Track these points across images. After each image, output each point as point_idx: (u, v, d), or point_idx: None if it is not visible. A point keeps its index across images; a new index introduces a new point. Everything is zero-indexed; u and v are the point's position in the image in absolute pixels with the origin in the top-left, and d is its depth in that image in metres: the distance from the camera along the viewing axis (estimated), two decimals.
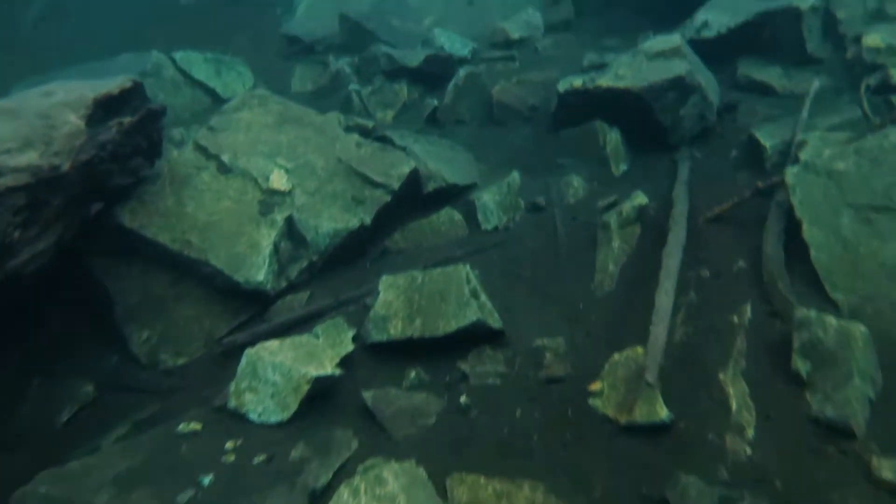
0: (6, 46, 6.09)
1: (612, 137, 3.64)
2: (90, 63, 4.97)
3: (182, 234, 2.87)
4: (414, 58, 4.38)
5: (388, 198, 3.20)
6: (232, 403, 2.20)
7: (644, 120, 3.61)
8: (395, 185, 3.21)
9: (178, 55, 4.63)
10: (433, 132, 4.11)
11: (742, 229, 2.89)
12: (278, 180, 3.12)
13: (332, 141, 3.33)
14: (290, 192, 3.11)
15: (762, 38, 3.95)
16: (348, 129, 3.53)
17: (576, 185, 3.42)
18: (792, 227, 2.65)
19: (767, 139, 3.20)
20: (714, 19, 3.97)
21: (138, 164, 2.81)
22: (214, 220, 2.96)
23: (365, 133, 3.55)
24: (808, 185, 2.69)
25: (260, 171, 3.12)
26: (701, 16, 4.05)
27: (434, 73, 4.44)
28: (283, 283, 3.02)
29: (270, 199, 3.08)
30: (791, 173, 2.76)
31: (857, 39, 3.60)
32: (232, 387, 2.22)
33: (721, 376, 2.14)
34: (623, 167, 3.61)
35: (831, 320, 2.08)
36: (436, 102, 4.19)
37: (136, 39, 5.58)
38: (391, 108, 4.33)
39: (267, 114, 3.37)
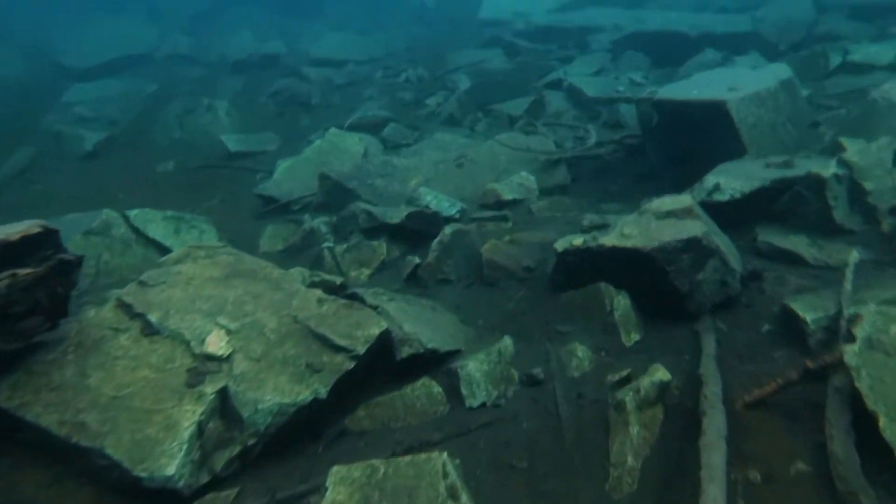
0: None
1: (621, 302, 3.27)
2: None
3: (75, 414, 2.33)
4: (395, 214, 4.22)
5: (350, 364, 2.71)
6: None
7: (657, 284, 3.29)
8: (361, 348, 2.74)
9: (132, 213, 4.47)
10: (414, 291, 3.77)
11: (792, 419, 2.41)
12: (216, 343, 2.66)
13: (288, 297, 2.93)
14: (228, 358, 2.63)
15: (781, 204, 3.83)
16: (312, 285, 3.18)
17: (580, 355, 2.96)
18: (860, 420, 2.18)
19: (808, 312, 2.83)
20: (726, 183, 3.87)
21: (34, 324, 2.38)
22: (124, 394, 2.43)
23: (331, 290, 3.18)
24: (879, 368, 2.25)
25: (194, 333, 2.67)
26: (711, 179, 3.97)
27: (417, 230, 4.25)
28: (205, 477, 2.38)
29: (203, 367, 2.59)
30: (851, 353, 2.32)
31: (893, 212, 3.50)
32: None
33: None
34: (635, 337, 3.18)
35: None
36: (418, 260, 3.90)
37: (104, 203, 5.58)
38: (367, 267, 4.04)
39: (213, 266, 3.02)
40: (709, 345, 2.89)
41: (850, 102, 5.65)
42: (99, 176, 6.81)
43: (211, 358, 2.61)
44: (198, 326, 2.70)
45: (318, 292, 3.00)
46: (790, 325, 2.89)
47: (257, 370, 2.62)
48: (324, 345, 2.74)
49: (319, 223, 4.71)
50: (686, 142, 4.87)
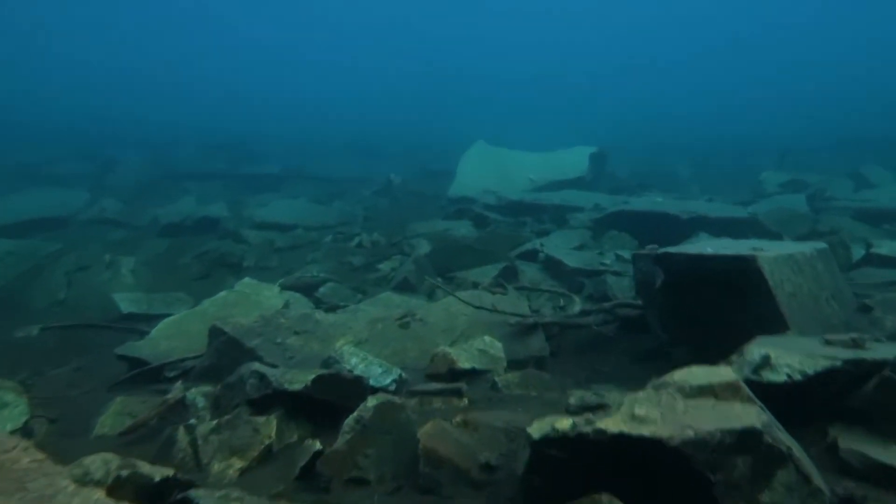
0: None
1: None
2: None
3: None
4: (299, 379, 3.10)
5: None
6: None
7: (691, 502, 2.18)
8: None
9: None
10: (305, 501, 2.52)
11: None
12: None
13: None
14: None
15: (862, 396, 2.80)
16: (111, 484, 1.97)
17: None
18: None
19: None
20: (779, 358, 2.89)
21: None
22: None
23: (144, 493, 1.96)
24: None
25: None
26: (756, 350, 2.98)
27: (329, 403, 3.10)
28: None
29: None
30: None
31: None
32: None
33: None
34: None
35: None
36: (319, 446, 2.70)
37: None
38: (241, 457, 2.79)
39: None
40: None
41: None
42: None
43: None
44: None
45: (99, 497, 1.78)
46: None
47: None
48: None
49: (195, 394, 3.53)
50: (702, 311, 4.02)
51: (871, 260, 6.40)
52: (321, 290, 5.90)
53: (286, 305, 4.99)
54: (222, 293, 5.10)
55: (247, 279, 5.40)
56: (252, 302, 4.93)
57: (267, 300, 5.04)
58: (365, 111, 46.72)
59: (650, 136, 30.60)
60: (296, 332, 4.07)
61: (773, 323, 3.60)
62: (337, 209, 11.01)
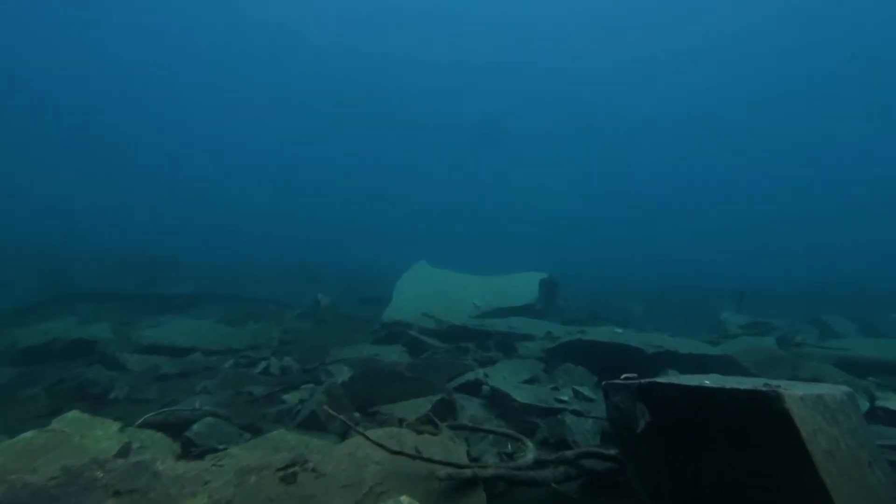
0: None
1: None
2: None
3: None
4: None
5: None
6: None
7: None
8: None
9: None
10: None
11: None
12: None
13: None
14: None
15: None
16: None
17: None
18: None
19: None
20: None
21: None
22: None
23: None
24: None
25: None
26: None
27: None
28: None
29: None
30: None
31: None
32: None
33: None
34: None
35: None
36: None
37: None
38: None
39: None
40: None
41: None
42: None
43: None
44: None
45: None
46: None
47: None
48: None
49: None
50: (703, 467, 2.99)
51: (877, 415, 5.59)
52: (195, 428, 4.59)
53: (126, 450, 3.68)
54: (28, 433, 3.73)
55: (73, 413, 4.06)
56: (73, 446, 3.59)
57: (97, 443, 3.70)
58: (308, 236, 46.53)
59: (598, 268, 31.02)
60: (116, 494, 2.80)
61: (807, 491, 2.60)
62: (251, 331, 9.74)
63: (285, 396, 6.14)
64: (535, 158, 67.70)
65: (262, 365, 7.21)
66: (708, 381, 3.18)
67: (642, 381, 3.21)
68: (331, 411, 4.11)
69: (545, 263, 17.08)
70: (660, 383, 3.12)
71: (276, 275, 22.72)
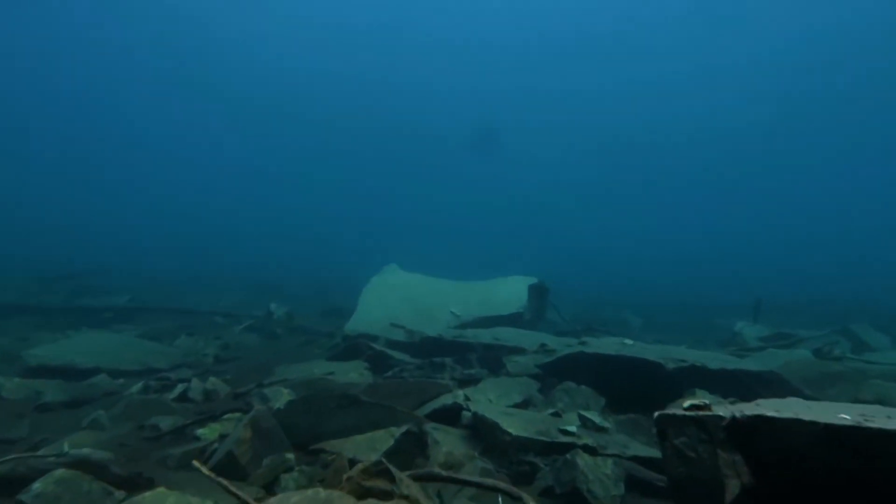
0: None
1: None
2: None
3: None
4: None
5: None
6: None
7: None
8: None
9: None
10: None
11: None
12: None
13: None
14: None
15: None
16: None
17: None
18: None
19: None
20: None
21: None
22: None
23: None
24: None
25: None
26: None
27: None
28: None
29: None
30: None
31: None
32: None
33: None
34: None
35: None
36: None
37: None
38: None
39: None
40: None
41: None
42: None
43: None
44: None
45: None
46: None
47: None
48: None
49: None
50: None
51: None
52: (35, 488, 3.22)
53: None
54: None
55: None
56: None
57: None
58: (275, 247, 45.14)
59: (589, 275, 30.00)
60: None
61: None
62: (181, 347, 8.33)
63: (200, 431, 4.78)
64: (525, 159, 67.13)
65: (179, 389, 5.82)
66: (846, 414, 1.93)
67: (738, 414, 1.93)
68: (220, 480, 2.80)
69: (531, 269, 15.86)
70: (773, 419, 1.85)
71: (234, 286, 21.29)
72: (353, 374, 6.55)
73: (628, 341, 7.27)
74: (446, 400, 5.42)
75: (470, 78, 63.73)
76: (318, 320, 11.76)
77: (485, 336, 8.29)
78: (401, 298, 10.28)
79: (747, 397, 5.51)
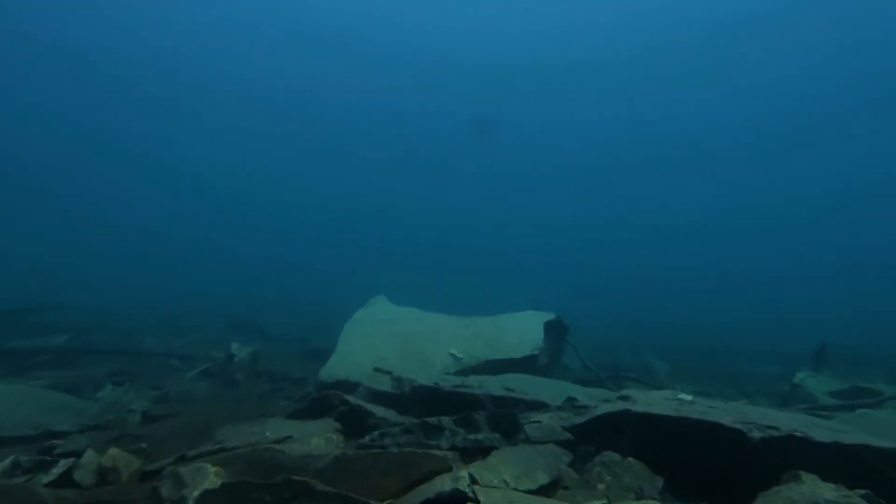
0: None
1: None
2: None
3: None
4: None
5: None
6: None
7: None
8: None
9: None
10: None
11: None
12: None
13: None
14: None
15: None
16: None
17: None
18: None
19: None
20: None
21: None
22: None
23: None
24: None
25: None
26: None
27: None
28: None
29: None
30: None
31: None
32: None
33: None
34: None
35: None
36: None
37: None
38: None
39: None
40: None
41: None
42: None
43: None
44: None
45: None
46: None
47: None
48: None
49: None
50: None
51: None
52: None
53: None
54: None
55: None
56: None
57: None
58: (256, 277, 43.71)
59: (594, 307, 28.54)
60: None
61: None
62: (104, 400, 6.75)
63: None
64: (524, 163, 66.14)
65: (63, 467, 4.22)
66: None
67: None
68: None
69: (536, 302, 14.28)
70: None
71: (210, 321, 19.77)
72: (318, 438, 4.97)
73: (685, 396, 5.70)
74: (443, 484, 3.82)
75: (466, 94, 62.52)
76: (291, 363, 10.17)
77: (494, 386, 6.70)
78: (389, 336, 8.70)
79: (874, 485, 3.94)
